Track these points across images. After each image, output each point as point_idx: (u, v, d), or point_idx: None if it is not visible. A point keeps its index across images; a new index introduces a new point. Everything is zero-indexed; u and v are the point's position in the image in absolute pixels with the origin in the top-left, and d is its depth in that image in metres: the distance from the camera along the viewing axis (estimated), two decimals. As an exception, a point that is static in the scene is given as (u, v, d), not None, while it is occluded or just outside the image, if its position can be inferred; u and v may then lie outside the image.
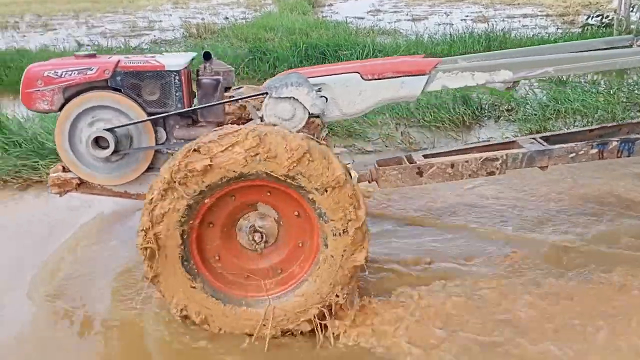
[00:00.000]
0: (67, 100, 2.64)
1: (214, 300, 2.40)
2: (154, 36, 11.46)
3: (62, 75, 2.63)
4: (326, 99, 2.67)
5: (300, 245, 2.45)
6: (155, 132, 2.72)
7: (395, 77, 2.67)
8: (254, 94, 2.82)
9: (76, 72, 2.63)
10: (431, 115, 5.18)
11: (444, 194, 3.81)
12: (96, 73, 2.63)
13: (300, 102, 2.58)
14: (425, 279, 2.83)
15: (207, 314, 2.40)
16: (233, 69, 2.88)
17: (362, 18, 12.97)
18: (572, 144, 2.80)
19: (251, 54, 7.79)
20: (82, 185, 2.76)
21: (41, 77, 2.62)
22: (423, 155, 2.89)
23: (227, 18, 13.74)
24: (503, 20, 11.53)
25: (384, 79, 2.68)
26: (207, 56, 2.78)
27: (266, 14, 13.40)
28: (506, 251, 3.10)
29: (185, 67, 2.71)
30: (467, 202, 3.71)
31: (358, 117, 3.04)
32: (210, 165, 2.15)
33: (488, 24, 9.75)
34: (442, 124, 5.10)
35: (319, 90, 2.64)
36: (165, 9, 17.70)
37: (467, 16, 13.08)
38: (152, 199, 2.22)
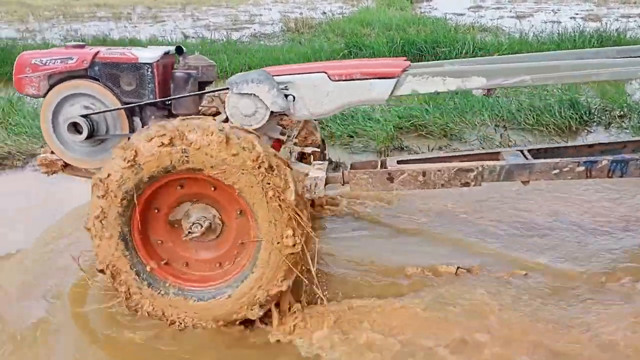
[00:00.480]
0: (52, 87, 2.81)
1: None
2: (254, 30, 11.78)
3: (47, 64, 2.81)
4: (294, 97, 2.64)
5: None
6: (132, 121, 2.84)
7: (363, 79, 2.59)
8: (216, 89, 2.89)
9: (59, 61, 2.80)
10: (534, 118, 4.91)
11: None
12: (76, 63, 2.79)
13: (261, 99, 2.59)
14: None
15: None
16: (214, 63, 2.93)
17: (462, 14, 12.57)
18: (557, 160, 2.55)
19: (347, 49, 7.81)
20: (67, 167, 2.92)
21: (29, 64, 2.81)
22: (397, 161, 2.79)
23: (324, 13, 13.86)
24: (617, 20, 10.73)
25: (352, 80, 2.61)
26: (179, 50, 2.85)
27: (363, 9, 13.38)
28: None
29: (158, 60, 2.76)
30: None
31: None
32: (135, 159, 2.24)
33: (600, 23, 9.10)
34: (546, 128, 4.81)
35: (285, 88, 2.62)
36: (265, 3, 18.17)
37: (577, 14, 12.33)
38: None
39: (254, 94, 2.60)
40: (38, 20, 14.16)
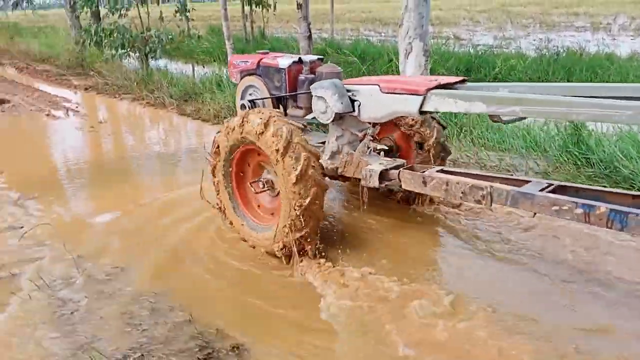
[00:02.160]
0: (242, 79, 4.22)
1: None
2: None
3: (239, 64, 4.30)
4: (359, 103, 3.30)
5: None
6: (278, 107, 3.97)
7: (402, 93, 3.04)
8: (302, 91, 3.78)
9: (243, 63, 4.24)
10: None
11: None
12: (250, 65, 4.16)
13: (327, 102, 3.36)
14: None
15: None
16: (339, 70, 3.78)
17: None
18: (558, 196, 2.52)
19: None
20: None
21: (232, 63, 4.39)
22: (437, 170, 3.16)
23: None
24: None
25: (394, 93, 3.09)
26: (300, 59, 3.87)
27: None
28: None
29: (290, 67, 3.83)
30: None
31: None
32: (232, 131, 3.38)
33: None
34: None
35: (353, 95, 3.33)
36: None
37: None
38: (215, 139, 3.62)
39: (323, 97, 3.38)
40: (515, 29, 13.97)
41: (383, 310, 2.80)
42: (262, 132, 3.11)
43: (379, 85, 3.16)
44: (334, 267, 3.22)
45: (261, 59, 4.01)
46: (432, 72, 7.02)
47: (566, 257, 3.30)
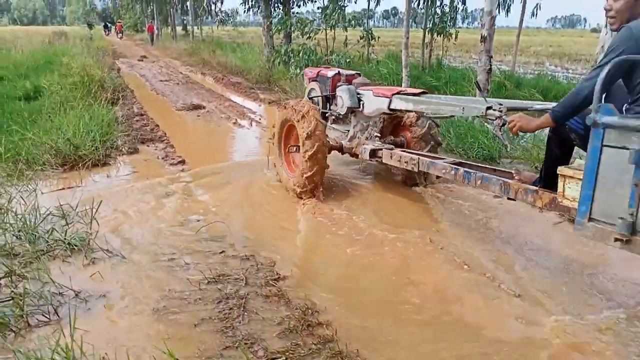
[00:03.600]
0: (310, 82, 5.96)
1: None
2: None
3: (307, 73, 6.11)
4: (363, 102, 4.95)
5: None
6: (326, 103, 5.59)
7: (381, 97, 4.61)
8: (322, 93, 5.60)
9: (310, 73, 6.01)
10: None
11: None
12: (313, 75, 5.87)
13: (343, 99, 5.12)
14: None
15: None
16: (367, 81, 5.36)
17: None
18: (445, 164, 3.88)
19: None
20: None
21: (305, 72, 6.21)
22: (403, 151, 4.64)
23: None
24: None
25: (379, 97, 4.66)
26: (339, 72, 5.52)
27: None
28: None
29: (333, 77, 5.46)
30: None
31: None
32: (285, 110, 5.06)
33: None
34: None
35: (360, 97, 5.00)
36: None
37: None
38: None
39: (341, 96, 5.17)
40: None
41: (335, 223, 4.38)
42: (296, 111, 4.75)
43: (372, 91, 4.78)
44: (327, 205, 4.72)
45: (319, 71, 5.74)
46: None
47: (468, 218, 4.59)
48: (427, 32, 13.51)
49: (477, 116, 3.50)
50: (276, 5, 15.94)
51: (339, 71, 5.45)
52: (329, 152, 4.91)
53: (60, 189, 5.12)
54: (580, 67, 19.90)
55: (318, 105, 5.51)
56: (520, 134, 3.58)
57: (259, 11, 16.43)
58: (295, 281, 3.37)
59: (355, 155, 5.03)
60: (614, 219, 2.27)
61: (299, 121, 4.67)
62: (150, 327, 2.81)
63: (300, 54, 11.73)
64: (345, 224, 4.34)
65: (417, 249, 3.88)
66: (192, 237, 4.01)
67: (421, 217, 4.59)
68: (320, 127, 4.57)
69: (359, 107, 4.96)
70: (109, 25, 50.67)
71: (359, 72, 5.61)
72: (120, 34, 44.14)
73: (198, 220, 4.36)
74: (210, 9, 31.73)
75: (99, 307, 3.00)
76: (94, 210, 4.11)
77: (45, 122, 6.98)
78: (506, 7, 13.67)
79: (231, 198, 5.01)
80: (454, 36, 13.61)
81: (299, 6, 15.87)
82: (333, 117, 5.56)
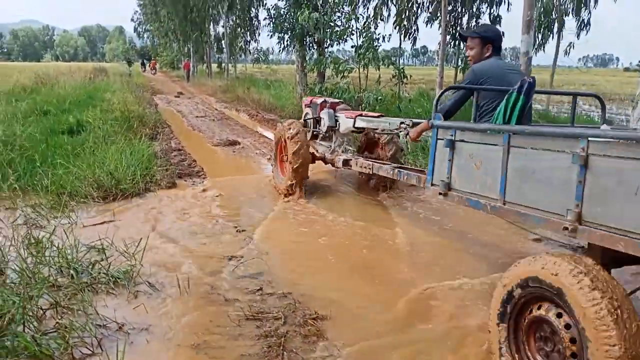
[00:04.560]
0: (306, 107, 7.15)
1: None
2: None
3: (304, 100, 7.33)
4: (339, 123, 6.23)
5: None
6: (316, 124, 6.77)
7: (350, 119, 5.92)
8: (313, 116, 6.84)
9: (307, 101, 7.15)
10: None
11: None
12: (307, 102, 7.12)
13: (324, 120, 6.46)
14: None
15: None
16: (349, 107, 6.77)
17: None
18: (369, 162, 5.47)
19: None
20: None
21: (303, 100, 7.36)
22: (366, 159, 5.95)
23: None
24: None
25: (349, 118, 5.94)
26: (325, 100, 6.72)
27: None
28: None
29: (321, 103, 6.65)
30: None
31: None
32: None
33: None
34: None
35: (337, 119, 6.30)
36: None
37: None
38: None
39: (323, 118, 6.51)
40: None
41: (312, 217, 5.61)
42: (287, 131, 6.09)
43: (344, 114, 6.11)
44: (307, 203, 6.04)
45: (312, 99, 6.98)
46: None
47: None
48: (458, 71, 13.57)
49: (395, 128, 4.87)
50: (311, 45, 16.31)
51: (325, 99, 6.74)
52: (313, 162, 6.47)
53: (101, 223, 5.23)
54: (615, 106, 19.61)
55: (310, 126, 6.82)
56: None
57: (293, 50, 16.82)
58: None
59: (333, 164, 6.31)
60: (440, 182, 3.48)
61: (289, 139, 6.00)
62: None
63: (334, 93, 11.92)
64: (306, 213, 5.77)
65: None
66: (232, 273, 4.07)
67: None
68: (304, 147, 5.96)
69: (336, 126, 6.28)
70: (145, 62, 55.69)
71: (342, 100, 7.44)
72: (154, 70, 49.70)
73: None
74: (247, 48, 32.63)
75: (141, 341, 3.04)
76: (138, 244, 4.19)
77: (88, 156, 7.21)
78: (542, 48, 13.69)
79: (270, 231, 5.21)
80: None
81: (332, 45, 16.21)
82: (320, 135, 6.76)
